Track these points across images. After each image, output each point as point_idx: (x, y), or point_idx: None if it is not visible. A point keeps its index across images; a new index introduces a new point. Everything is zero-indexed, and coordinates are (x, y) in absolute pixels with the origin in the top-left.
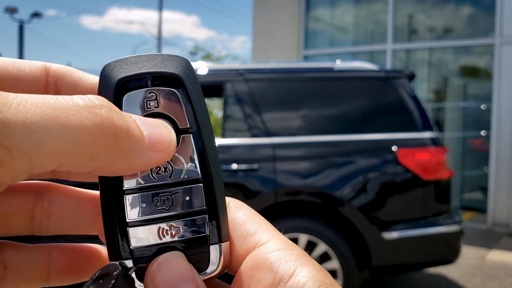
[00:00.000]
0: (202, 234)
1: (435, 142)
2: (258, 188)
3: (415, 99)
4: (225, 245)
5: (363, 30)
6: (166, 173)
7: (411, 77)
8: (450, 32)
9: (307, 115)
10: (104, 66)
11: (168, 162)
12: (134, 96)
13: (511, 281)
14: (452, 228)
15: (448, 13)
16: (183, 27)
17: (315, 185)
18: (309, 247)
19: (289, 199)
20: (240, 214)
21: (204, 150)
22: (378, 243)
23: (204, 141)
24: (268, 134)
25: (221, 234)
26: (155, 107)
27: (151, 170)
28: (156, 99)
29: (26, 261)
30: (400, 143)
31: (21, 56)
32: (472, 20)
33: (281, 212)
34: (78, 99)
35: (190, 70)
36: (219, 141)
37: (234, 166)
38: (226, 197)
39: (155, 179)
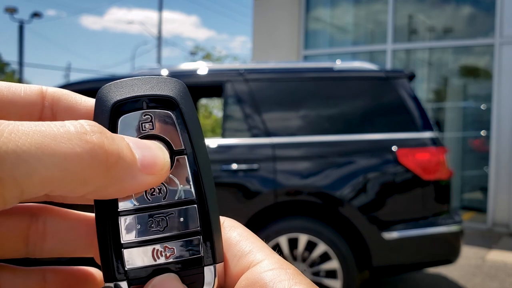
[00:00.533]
0: (196, 256)
1: (435, 142)
2: (258, 188)
3: (415, 99)
4: (219, 266)
5: (363, 30)
6: (160, 194)
7: (411, 77)
8: (450, 32)
9: (307, 115)
10: (100, 89)
11: (162, 183)
12: (130, 119)
13: (511, 281)
14: (452, 228)
15: (448, 13)
16: (183, 27)
17: (315, 185)
18: (309, 247)
19: (289, 199)
20: (234, 233)
21: (199, 171)
22: (378, 243)
23: (198, 163)
24: (268, 134)
25: (216, 255)
26: (150, 129)
27: (146, 191)
28: (151, 121)
29: (21, 286)
30: (400, 143)
31: (21, 56)
32: (472, 20)
33: (281, 212)
34: (70, 126)
35: (185, 92)
36: (219, 141)
37: (234, 166)
38: (221, 217)
39: (149, 200)
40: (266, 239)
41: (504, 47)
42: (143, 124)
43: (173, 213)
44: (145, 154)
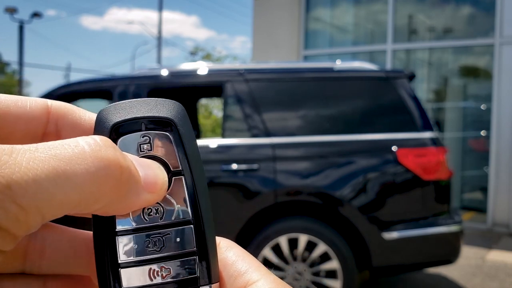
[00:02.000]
0: (192, 276)
1: (435, 142)
2: (258, 188)
3: (415, 99)
4: (215, 286)
5: (363, 30)
6: (157, 214)
7: (411, 77)
8: (450, 32)
9: (307, 115)
10: (100, 111)
11: (159, 203)
12: (129, 140)
13: (511, 281)
14: (452, 228)
15: (448, 13)
16: (183, 27)
17: (315, 185)
18: (309, 247)
19: (289, 199)
20: (230, 253)
21: (195, 192)
22: (378, 243)
23: (195, 183)
24: (268, 134)
25: (211, 275)
26: (148, 150)
27: (143, 211)
28: (149, 142)
29: None
30: (400, 143)
31: (21, 56)
32: (472, 20)
33: (281, 212)
34: (84, 145)
35: (183, 114)
36: (219, 141)
37: (234, 166)
38: (217, 237)
39: (146, 220)
40: (266, 239)
41: (504, 47)
42: (142, 145)
43: (169, 234)
44: (147, 172)
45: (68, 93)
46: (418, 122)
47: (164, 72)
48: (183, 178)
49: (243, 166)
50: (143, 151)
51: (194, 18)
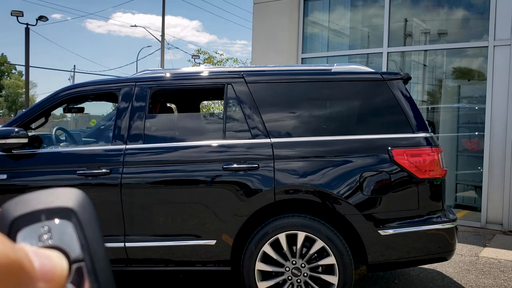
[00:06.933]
0: None
1: (429, 142)
2: (258, 187)
3: (410, 100)
4: None
5: (360, 34)
6: None
7: (407, 79)
8: (445, 35)
9: (306, 116)
10: (2, 206)
11: None
12: (29, 232)
13: (505, 278)
14: (447, 225)
15: (443, 16)
16: (185, 32)
17: (313, 184)
18: (307, 244)
19: (288, 198)
20: None
21: (96, 278)
22: (373, 240)
23: (96, 270)
24: (267, 134)
25: None
26: (48, 240)
27: None
28: (49, 232)
29: None
30: (396, 143)
31: (27, 58)
32: (466, 23)
33: (280, 210)
34: None
35: (84, 201)
36: (220, 141)
37: (235, 165)
38: None
39: None
40: (266, 236)
41: (497, 49)
42: (41, 236)
43: None
44: (44, 262)
45: (74, 94)
46: (413, 123)
47: (167, 75)
48: (83, 265)
49: (244, 166)
50: (43, 241)
51: (196, 23)
